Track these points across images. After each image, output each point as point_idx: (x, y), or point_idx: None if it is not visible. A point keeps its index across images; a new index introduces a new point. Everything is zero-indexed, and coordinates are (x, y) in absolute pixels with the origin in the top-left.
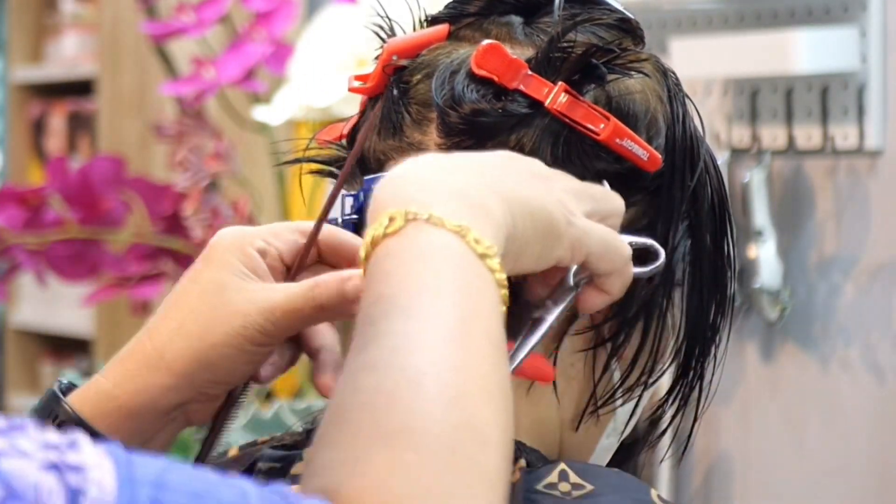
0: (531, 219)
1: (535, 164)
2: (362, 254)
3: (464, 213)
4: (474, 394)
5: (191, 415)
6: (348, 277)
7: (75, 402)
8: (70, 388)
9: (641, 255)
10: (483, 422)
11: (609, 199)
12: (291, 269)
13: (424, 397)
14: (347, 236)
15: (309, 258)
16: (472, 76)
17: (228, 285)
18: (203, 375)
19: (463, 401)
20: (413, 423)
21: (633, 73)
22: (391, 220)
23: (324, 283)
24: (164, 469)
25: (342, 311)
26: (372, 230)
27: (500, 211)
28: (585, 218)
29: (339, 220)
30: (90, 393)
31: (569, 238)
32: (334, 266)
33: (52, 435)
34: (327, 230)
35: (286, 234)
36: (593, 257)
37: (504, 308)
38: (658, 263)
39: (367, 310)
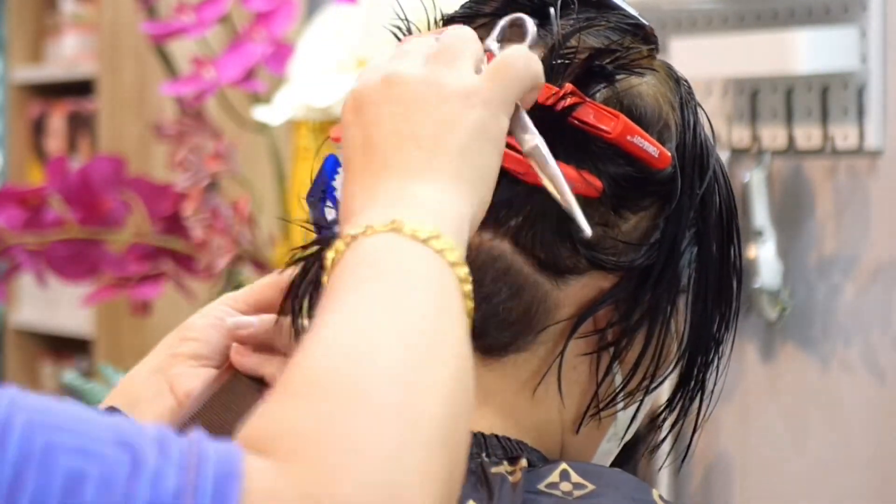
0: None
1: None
2: (329, 257)
3: (422, 219)
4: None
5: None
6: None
7: None
8: None
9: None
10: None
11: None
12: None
13: (345, 355)
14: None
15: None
16: None
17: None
18: None
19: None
20: (324, 377)
21: (641, 71)
22: (336, 251)
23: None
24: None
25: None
26: (330, 255)
27: (432, 191)
28: (488, 83)
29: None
30: None
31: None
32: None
33: None
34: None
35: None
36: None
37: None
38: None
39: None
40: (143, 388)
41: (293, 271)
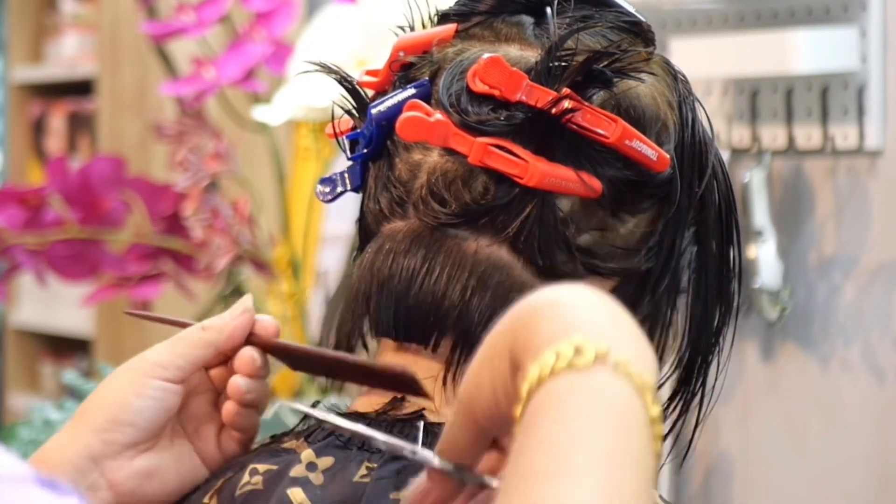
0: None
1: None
2: (534, 374)
3: (640, 360)
4: None
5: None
6: (238, 315)
7: None
8: None
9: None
10: None
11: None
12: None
13: None
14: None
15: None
16: (473, 93)
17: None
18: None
19: None
20: None
21: (639, 75)
22: (577, 351)
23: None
24: None
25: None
26: (551, 357)
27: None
28: None
29: (348, 156)
30: None
31: None
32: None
33: None
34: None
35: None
36: None
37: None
38: None
39: (533, 450)
40: (74, 477)
41: (218, 325)
